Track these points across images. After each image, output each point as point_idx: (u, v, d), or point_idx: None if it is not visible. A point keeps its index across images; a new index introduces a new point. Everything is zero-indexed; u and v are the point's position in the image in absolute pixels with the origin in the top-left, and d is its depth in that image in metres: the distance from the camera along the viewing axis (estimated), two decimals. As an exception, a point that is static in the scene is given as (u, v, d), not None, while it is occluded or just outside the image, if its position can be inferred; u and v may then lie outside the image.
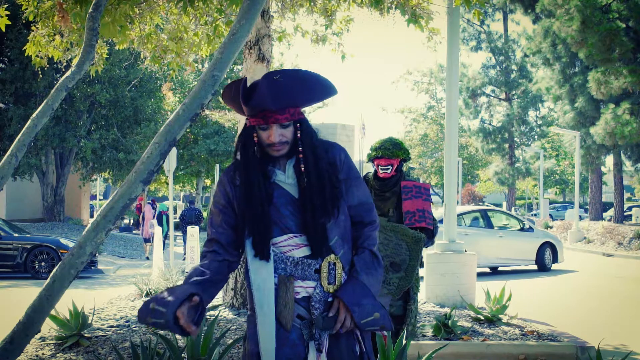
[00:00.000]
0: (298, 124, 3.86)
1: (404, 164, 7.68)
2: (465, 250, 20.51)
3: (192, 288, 3.67)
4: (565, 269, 23.83)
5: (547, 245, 23.16)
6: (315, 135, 3.94)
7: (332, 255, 3.81)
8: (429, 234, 7.42)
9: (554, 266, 23.81)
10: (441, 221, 21.19)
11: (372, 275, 3.89)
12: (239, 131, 3.93)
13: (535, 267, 23.15)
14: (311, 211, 3.79)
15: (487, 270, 22.88)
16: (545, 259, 23.09)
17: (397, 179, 7.53)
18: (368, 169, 21.17)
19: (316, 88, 3.82)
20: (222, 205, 3.95)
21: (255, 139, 3.85)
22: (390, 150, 7.46)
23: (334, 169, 3.90)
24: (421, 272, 12.77)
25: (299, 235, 3.82)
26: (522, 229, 23.26)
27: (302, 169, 3.83)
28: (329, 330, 3.76)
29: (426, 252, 12.78)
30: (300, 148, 3.84)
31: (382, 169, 7.49)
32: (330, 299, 3.82)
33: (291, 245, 3.82)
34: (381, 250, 7.19)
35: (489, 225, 22.62)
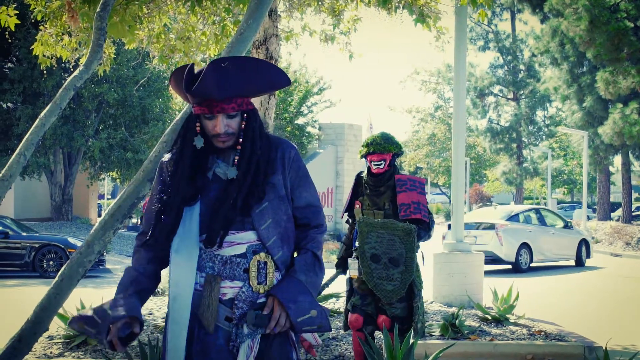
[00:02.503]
0: (245, 115, 3.66)
1: (397, 159, 7.69)
2: (529, 245, 22.39)
3: (133, 310, 3.53)
4: (596, 265, 25.13)
5: (583, 242, 24.93)
6: (262, 130, 3.73)
7: (262, 254, 3.61)
8: (425, 226, 7.42)
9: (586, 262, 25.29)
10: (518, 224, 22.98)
11: (311, 277, 3.69)
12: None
13: (572, 262, 24.92)
14: (224, 202, 3.58)
15: (545, 265, 24.38)
16: (582, 255, 24.81)
17: (391, 173, 7.54)
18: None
19: (267, 78, 3.64)
20: (157, 193, 3.75)
21: (198, 128, 3.65)
22: (382, 145, 7.48)
23: (269, 168, 3.69)
24: (428, 271, 12.80)
25: (233, 232, 3.61)
26: (565, 227, 24.76)
27: (236, 161, 3.63)
28: (261, 330, 3.53)
29: (433, 252, 12.79)
30: (241, 140, 3.64)
31: (375, 165, 7.51)
32: (259, 301, 3.59)
33: (224, 242, 3.62)
34: (377, 248, 7.21)
35: (543, 223, 24.15)
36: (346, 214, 7.96)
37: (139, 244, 3.79)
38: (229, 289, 3.59)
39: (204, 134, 3.66)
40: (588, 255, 25.15)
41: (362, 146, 7.65)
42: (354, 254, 7.60)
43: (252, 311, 3.52)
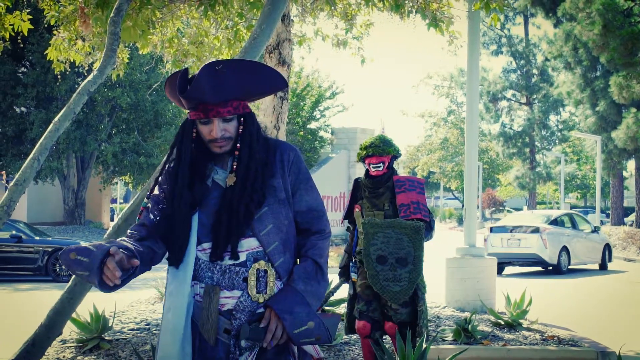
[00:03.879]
0: (242, 119, 3.56)
1: (395, 161, 7.68)
2: (567, 248, 23.23)
3: (130, 248, 3.38)
4: (617, 269, 25.61)
5: (606, 246, 25.63)
6: (259, 133, 3.62)
7: (262, 262, 3.47)
8: (427, 226, 7.40)
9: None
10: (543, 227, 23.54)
11: (311, 286, 3.53)
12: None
13: (596, 266, 25.48)
14: (227, 211, 3.46)
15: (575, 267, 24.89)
16: (606, 259, 25.51)
17: (389, 175, 7.53)
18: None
19: (263, 80, 3.56)
20: (160, 198, 3.62)
21: (194, 134, 3.55)
22: (381, 148, 7.47)
23: (267, 171, 3.57)
24: (441, 276, 12.79)
25: None
26: (592, 231, 25.50)
27: (234, 167, 3.52)
28: (258, 342, 3.40)
29: (446, 257, 12.77)
30: (238, 145, 3.53)
31: (373, 167, 7.50)
32: (258, 311, 3.47)
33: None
34: (383, 249, 7.18)
35: (576, 227, 25.07)
36: (346, 220, 7.93)
37: (134, 231, 3.60)
38: (228, 299, 3.48)
39: (201, 139, 3.56)
40: (609, 259, 25.82)
41: (360, 149, 7.64)
42: (355, 258, 7.58)
43: (246, 324, 3.41)
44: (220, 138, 3.48)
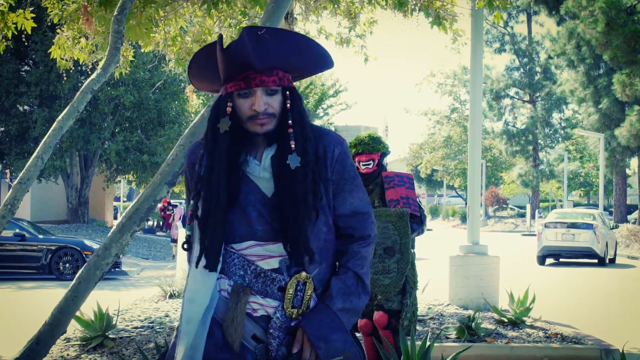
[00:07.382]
0: (287, 93, 3.10)
1: (384, 158, 7.71)
2: (607, 243, 25.02)
3: None
4: (622, 264, 27.49)
5: (615, 242, 28.24)
6: (306, 114, 3.15)
7: (303, 274, 3.08)
8: (417, 220, 7.41)
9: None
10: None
11: (350, 302, 3.14)
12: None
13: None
14: (292, 209, 3.05)
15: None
16: (615, 253, 27.95)
17: (379, 172, 7.56)
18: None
19: (309, 53, 3.12)
20: (197, 197, 3.20)
21: (229, 109, 3.08)
22: (371, 145, 7.52)
23: (321, 163, 3.15)
24: (444, 274, 12.79)
25: (264, 243, 3.12)
26: (611, 228, 28.22)
27: (292, 146, 3.06)
28: None
29: (449, 255, 12.78)
30: (290, 122, 3.07)
31: (363, 165, 7.53)
32: (292, 324, 3.10)
33: (253, 255, 3.13)
34: None
35: (607, 224, 27.52)
36: None
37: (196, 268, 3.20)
38: (260, 306, 3.12)
39: (236, 119, 3.10)
40: (615, 254, 27.95)
41: (350, 147, 7.65)
42: None
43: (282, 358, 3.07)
44: (262, 113, 3.04)
